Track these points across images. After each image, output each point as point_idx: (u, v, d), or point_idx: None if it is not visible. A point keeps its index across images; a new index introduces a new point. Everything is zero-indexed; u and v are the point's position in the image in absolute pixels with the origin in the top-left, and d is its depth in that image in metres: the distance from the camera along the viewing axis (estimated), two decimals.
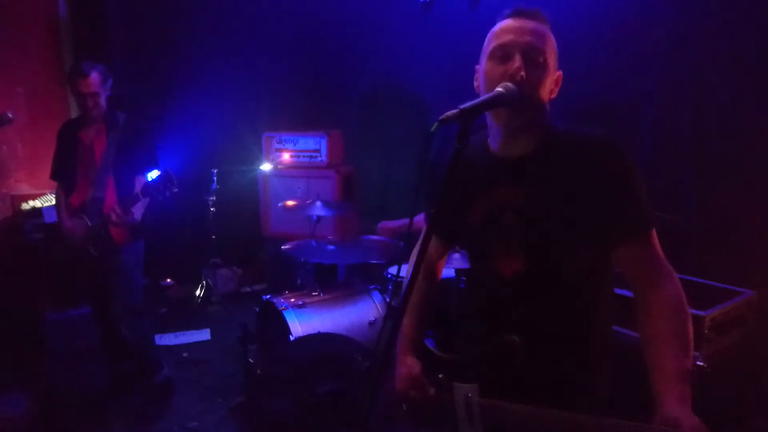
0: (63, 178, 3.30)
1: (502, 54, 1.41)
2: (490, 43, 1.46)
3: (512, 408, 1.35)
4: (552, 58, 1.43)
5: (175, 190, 3.01)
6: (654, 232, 1.41)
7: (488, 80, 1.42)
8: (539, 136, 1.45)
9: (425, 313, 1.79)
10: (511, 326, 1.44)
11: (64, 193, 3.28)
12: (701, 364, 2.12)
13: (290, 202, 3.80)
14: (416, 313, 1.76)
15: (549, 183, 1.42)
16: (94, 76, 3.08)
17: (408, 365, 1.61)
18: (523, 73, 1.36)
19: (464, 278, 3.15)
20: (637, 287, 1.42)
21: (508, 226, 1.48)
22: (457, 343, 1.70)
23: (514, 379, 1.39)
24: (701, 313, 2.18)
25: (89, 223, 3.07)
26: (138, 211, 3.11)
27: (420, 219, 2.06)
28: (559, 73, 1.48)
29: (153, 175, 3.04)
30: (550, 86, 1.44)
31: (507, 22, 1.44)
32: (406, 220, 3.14)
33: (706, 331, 2.18)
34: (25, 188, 4.60)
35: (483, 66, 1.47)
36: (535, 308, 1.48)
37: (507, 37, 1.41)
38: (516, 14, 1.44)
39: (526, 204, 1.44)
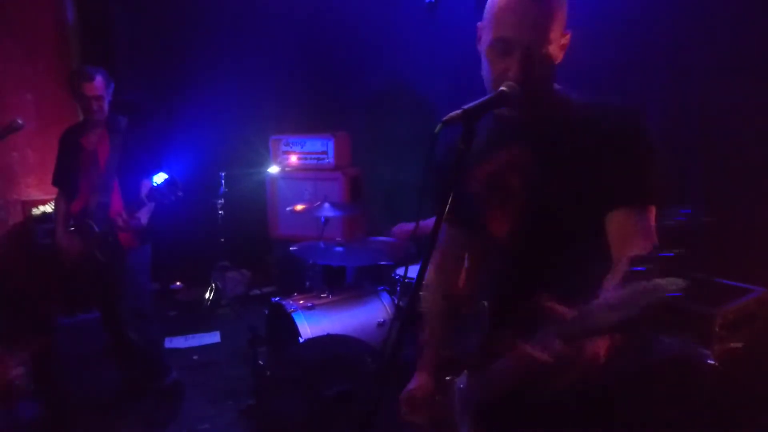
0: (65, 184, 3.31)
1: (503, 49, 1.36)
2: (490, 25, 1.39)
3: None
4: (557, 33, 1.36)
5: (180, 194, 3.01)
6: (653, 210, 1.32)
7: (491, 72, 1.40)
8: (548, 99, 1.42)
9: (448, 323, 1.66)
10: (509, 291, 1.40)
11: (64, 200, 3.29)
12: (712, 362, 2.10)
13: (298, 207, 3.81)
14: (439, 324, 1.66)
15: (556, 144, 1.37)
16: (99, 80, 3.10)
17: (419, 384, 1.57)
18: (521, 77, 1.31)
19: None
20: (616, 257, 1.32)
21: (512, 188, 1.42)
22: (458, 336, 1.66)
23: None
24: (712, 310, 2.16)
25: (96, 229, 3.08)
26: (144, 215, 3.12)
27: (429, 222, 2.04)
28: (567, 36, 1.40)
29: (159, 178, 3.04)
30: (557, 54, 1.38)
31: None
32: (422, 222, 3.14)
33: (717, 329, 2.17)
34: (35, 194, 4.64)
35: (484, 52, 1.42)
36: (530, 272, 1.41)
37: (508, 31, 1.34)
38: None
39: (532, 165, 1.39)
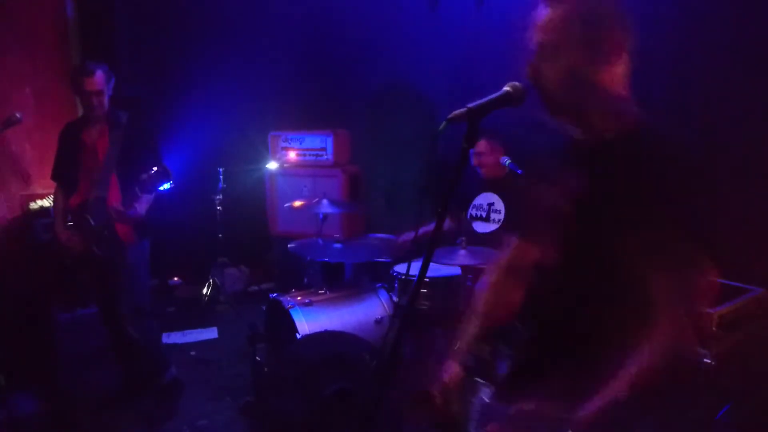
0: (64, 178, 3.30)
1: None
2: None
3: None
4: (569, 46, 1.30)
5: (170, 182, 2.99)
6: (693, 275, 1.25)
7: None
8: (615, 123, 1.34)
9: (492, 323, 1.66)
10: (540, 318, 1.42)
11: (63, 194, 3.29)
12: (708, 361, 2.11)
13: (297, 203, 3.80)
14: (481, 321, 1.64)
15: (611, 178, 1.30)
16: (99, 75, 3.10)
17: (453, 373, 1.59)
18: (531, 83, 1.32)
19: (470, 276, 3.15)
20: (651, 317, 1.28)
21: (564, 215, 1.39)
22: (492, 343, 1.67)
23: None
24: (709, 310, 2.17)
25: (92, 223, 3.08)
26: (141, 206, 3.09)
27: (429, 228, 2.04)
28: (617, 62, 1.33)
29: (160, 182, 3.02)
30: (601, 78, 1.31)
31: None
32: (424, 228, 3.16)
33: (714, 329, 2.18)
34: (33, 188, 4.62)
35: None
36: (563, 306, 1.42)
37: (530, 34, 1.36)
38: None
39: (586, 197, 1.34)
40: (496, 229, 3.49)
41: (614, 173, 1.29)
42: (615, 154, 1.30)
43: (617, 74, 1.35)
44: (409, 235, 3.75)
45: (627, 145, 1.30)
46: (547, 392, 1.30)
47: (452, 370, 1.59)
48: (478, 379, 1.54)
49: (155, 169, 2.93)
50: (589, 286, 1.36)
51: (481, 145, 3.45)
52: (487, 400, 1.46)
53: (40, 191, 4.50)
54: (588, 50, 1.31)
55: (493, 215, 3.54)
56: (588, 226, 1.33)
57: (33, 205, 4.37)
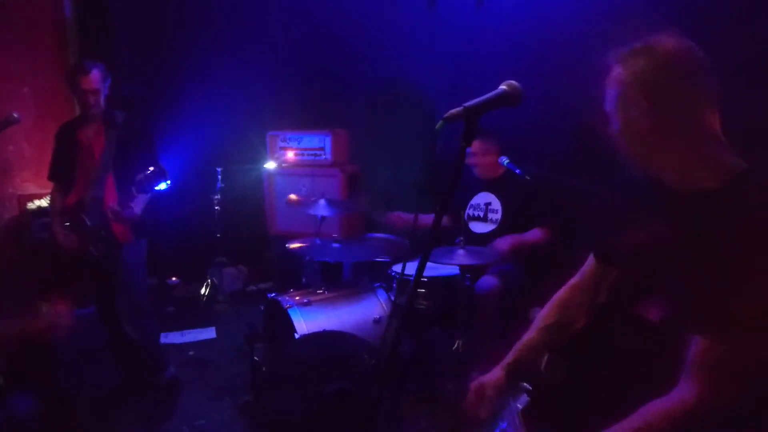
0: (60, 178, 3.30)
1: None
2: None
3: None
4: (631, 109, 1.31)
5: (168, 182, 2.99)
6: (727, 345, 1.17)
7: None
8: (711, 173, 1.27)
9: (553, 334, 1.65)
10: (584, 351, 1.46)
11: (60, 194, 3.28)
12: None
13: (293, 196, 3.80)
14: (543, 330, 1.65)
15: (703, 234, 1.23)
16: (95, 73, 3.10)
17: (494, 378, 1.62)
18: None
19: (469, 276, 3.15)
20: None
21: (655, 266, 1.35)
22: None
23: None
24: None
25: (89, 223, 3.07)
26: (137, 205, 3.10)
27: (428, 217, 2.06)
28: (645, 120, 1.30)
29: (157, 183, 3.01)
30: (665, 133, 1.28)
31: None
32: (422, 217, 3.15)
33: None
34: (31, 188, 4.62)
35: None
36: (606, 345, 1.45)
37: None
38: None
39: (672, 243, 1.29)
40: (494, 230, 3.49)
41: (707, 230, 1.23)
42: (710, 209, 1.24)
43: (711, 122, 1.30)
44: (404, 215, 3.74)
45: (723, 200, 1.23)
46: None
47: (496, 374, 1.62)
48: (524, 384, 1.57)
49: (151, 169, 2.93)
50: (648, 331, 1.33)
51: (475, 145, 3.45)
52: (520, 407, 1.51)
53: (37, 191, 4.50)
54: (673, 103, 1.28)
55: (490, 215, 3.55)
56: (670, 275, 1.29)
57: (31, 205, 4.37)
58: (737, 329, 1.16)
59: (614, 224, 1.53)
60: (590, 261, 1.65)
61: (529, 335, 1.65)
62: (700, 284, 1.20)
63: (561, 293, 1.69)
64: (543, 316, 1.67)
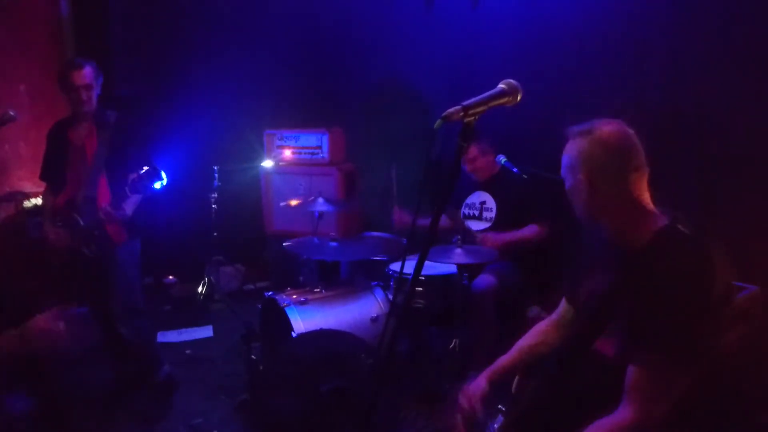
0: (52, 178, 3.28)
1: None
2: None
3: None
4: (574, 178, 1.58)
5: (162, 182, 2.98)
6: (658, 375, 1.41)
7: None
8: (641, 234, 1.52)
9: (527, 359, 1.87)
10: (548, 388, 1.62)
11: (52, 194, 3.27)
12: None
13: (293, 201, 3.79)
14: (519, 354, 1.88)
15: (633, 286, 1.48)
16: (88, 69, 3.09)
17: (478, 386, 1.78)
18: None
19: (466, 274, 3.16)
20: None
21: (605, 308, 1.57)
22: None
23: None
24: None
25: (82, 223, 3.06)
26: (129, 207, 3.08)
27: (426, 220, 2.07)
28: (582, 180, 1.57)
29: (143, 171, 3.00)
30: (605, 198, 1.54)
31: None
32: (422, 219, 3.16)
33: None
34: (27, 186, 4.60)
35: None
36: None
37: None
38: None
39: (619, 296, 1.52)
40: (488, 228, 3.50)
41: (637, 281, 1.47)
42: (637, 264, 1.49)
43: (639, 188, 1.55)
44: (406, 216, 3.74)
45: (646, 256, 1.48)
46: None
47: (481, 384, 1.79)
48: (500, 407, 1.74)
49: (145, 168, 2.92)
50: (604, 366, 1.55)
51: (472, 151, 3.46)
52: (496, 426, 1.67)
53: (33, 189, 4.48)
54: (609, 171, 1.54)
55: (485, 214, 3.55)
56: (616, 317, 1.52)
57: (27, 204, 4.35)
58: (663, 359, 1.39)
59: (577, 270, 1.80)
60: (563, 299, 1.90)
61: (509, 355, 1.88)
62: (635, 324, 1.45)
63: (541, 325, 1.94)
64: (522, 342, 1.91)
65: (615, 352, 1.53)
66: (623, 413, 1.42)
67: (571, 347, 1.65)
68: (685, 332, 1.38)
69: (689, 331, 1.38)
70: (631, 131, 1.56)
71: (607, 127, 1.55)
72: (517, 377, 1.82)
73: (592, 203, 1.56)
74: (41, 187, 3.48)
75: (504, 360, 1.87)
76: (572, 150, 1.59)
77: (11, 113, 3.41)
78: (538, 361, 1.84)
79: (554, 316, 1.93)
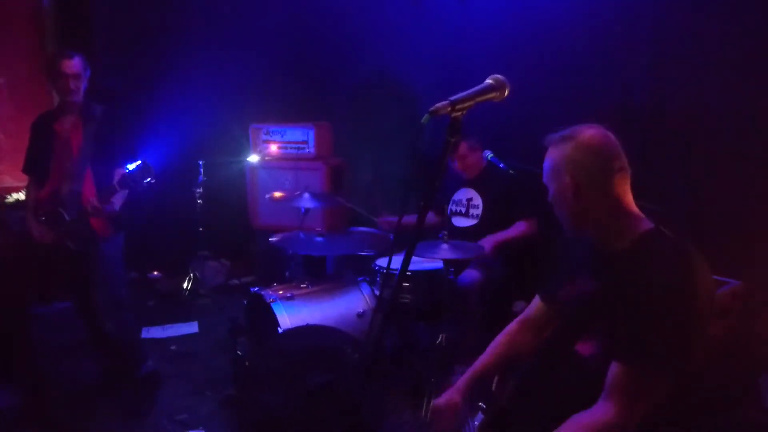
0: (36, 170, 3.24)
1: None
2: None
3: None
4: (559, 182, 1.59)
5: (152, 180, 2.97)
6: (645, 371, 1.41)
7: None
8: (624, 236, 1.54)
9: (501, 362, 1.87)
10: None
11: (35, 187, 3.22)
12: None
13: (278, 194, 3.77)
14: (493, 357, 1.87)
15: (614, 289, 1.50)
16: (78, 60, 3.07)
17: (448, 399, 1.78)
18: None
19: (452, 269, 3.16)
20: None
21: (587, 311, 1.58)
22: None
23: None
24: None
25: (67, 218, 3.03)
26: (117, 201, 3.07)
27: (412, 218, 2.08)
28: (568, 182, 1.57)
29: (132, 166, 2.99)
30: (584, 203, 1.55)
31: None
32: (405, 218, 3.17)
33: None
34: (8, 180, 4.54)
35: None
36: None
37: None
38: None
39: (600, 298, 1.55)
40: (475, 224, 3.51)
41: (619, 283, 1.49)
42: (620, 266, 1.51)
43: (622, 190, 1.56)
44: (391, 220, 3.76)
45: (629, 258, 1.50)
46: None
47: (452, 398, 1.78)
48: (481, 404, 1.75)
49: (138, 163, 2.90)
50: (581, 366, 1.57)
51: (462, 148, 3.46)
52: (477, 424, 1.67)
53: (15, 184, 4.42)
54: (591, 176, 1.55)
55: (471, 210, 3.56)
56: (597, 319, 1.54)
57: (8, 198, 4.29)
58: (645, 358, 1.40)
59: (557, 272, 1.80)
60: (537, 300, 1.88)
61: (482, 360, 1.87)
62: (617, 326, 1.45)
63: (512, 326, 1.91)
64: (494, 345, 1.89)
65: (592, 353, 1.54)
66: (603, 410, 1.42)
67: (551, 350, 1.67)
68: (667, 335, 1.38)
69: (671, 335, 1.38)
70: (611, 134, 1.58)
71: (588, 131, 1.56)
72: (497, 377, 1.84)
73: (578, 206, 1.56)
74: (22, 180, 3.43)
75: (477, 367, 1.86)
76: (555, 155, 1.60)
77: None
78: (513, 365, 1.85)
79: (525, 316, 1.92)
